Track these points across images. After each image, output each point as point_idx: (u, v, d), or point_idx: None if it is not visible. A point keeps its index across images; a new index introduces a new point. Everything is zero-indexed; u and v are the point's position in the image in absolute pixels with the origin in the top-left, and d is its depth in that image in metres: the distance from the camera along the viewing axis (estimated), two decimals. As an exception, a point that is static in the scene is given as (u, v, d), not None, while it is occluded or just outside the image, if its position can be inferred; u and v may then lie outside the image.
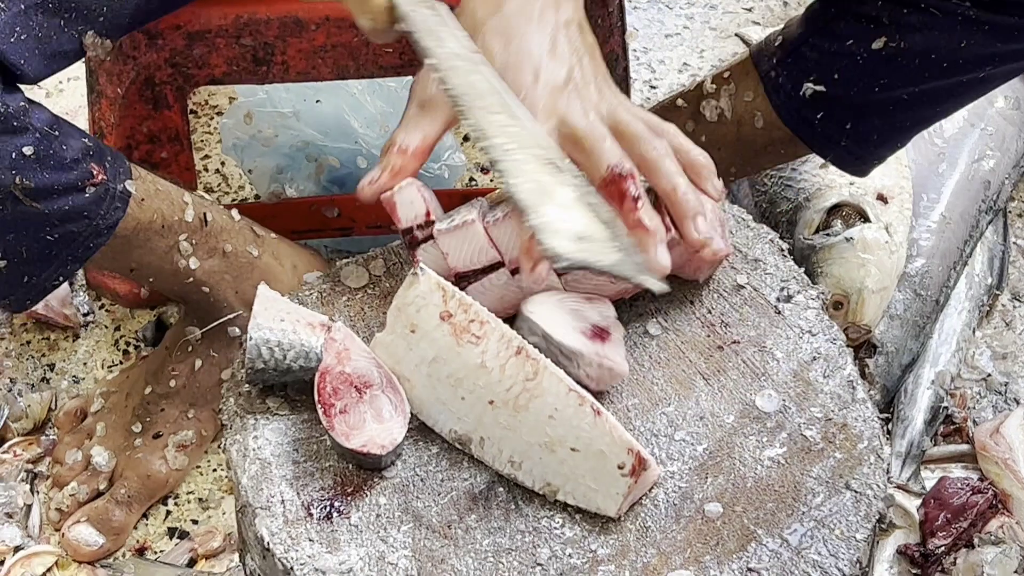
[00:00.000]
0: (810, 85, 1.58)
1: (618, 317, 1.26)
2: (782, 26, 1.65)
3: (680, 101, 1.71)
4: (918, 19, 1.50)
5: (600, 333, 1.22)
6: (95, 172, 1.42)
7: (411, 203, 1.26)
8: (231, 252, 1.64)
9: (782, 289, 1.32)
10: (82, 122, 1.90)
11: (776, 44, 1.62)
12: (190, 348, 1.71)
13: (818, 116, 1.60)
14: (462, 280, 1.25)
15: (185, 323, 1.73)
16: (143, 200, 1.51)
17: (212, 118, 2.12)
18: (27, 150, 1.35)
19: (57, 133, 1.39)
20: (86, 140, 1.43)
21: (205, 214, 1.60)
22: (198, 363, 1.71)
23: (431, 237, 1.26)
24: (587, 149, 1.24)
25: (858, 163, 1.67)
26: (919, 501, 1.73)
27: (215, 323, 1.67)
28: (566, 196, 1.20)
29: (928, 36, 1.50)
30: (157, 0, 1.47)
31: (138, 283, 1.84)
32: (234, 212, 1.65)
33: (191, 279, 1.62)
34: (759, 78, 1.63)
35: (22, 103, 1.36)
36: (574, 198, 1.20)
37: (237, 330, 1.67)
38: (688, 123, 1.68)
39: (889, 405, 1.81)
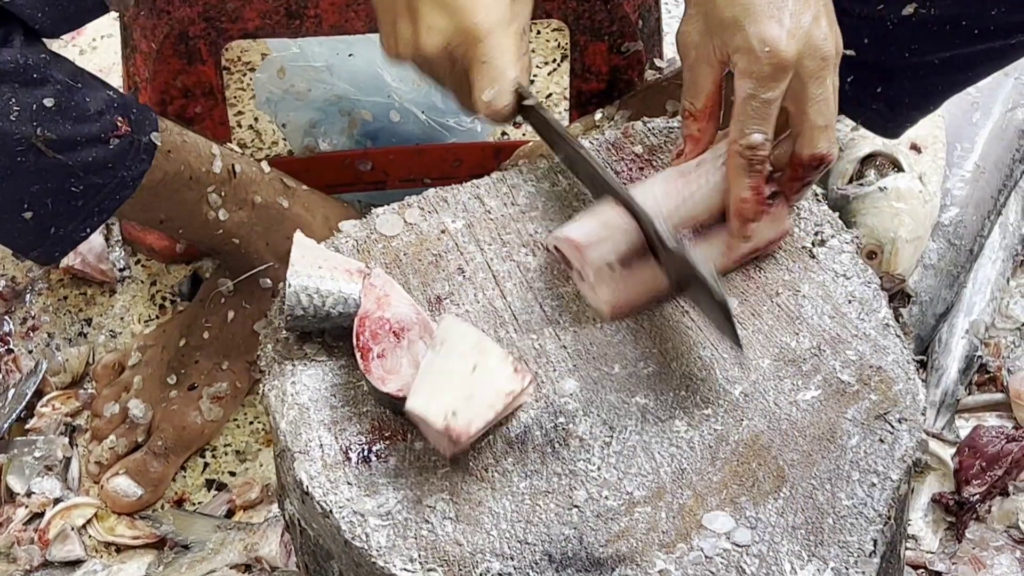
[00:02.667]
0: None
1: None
2: None
3: None
4: None
5: None
6: (119, 124, 1.43)
7: None
8: (261, 204, 1.65)
9: (816, 233, 1.32)
10: (116, 78, 1.92)
11: None
12: (222, 300, 1.72)
13: (848, 80, 1.56)
14: None
15: (218, 275, 1.74)
16: (169, 152, 1.51)
17: (245, 74, 2.12)
18: (48, 102, 1.36)
19: (80, 85, 1.40)
20: (110, 92, 1.43)
21: (233, 166, 1.60)
22: (231, 315, 1.72)
23: None
24: (808, 110, 1.23)
25: (890, 126, 1.66)
26: (954, 450, 1.74)
27: (246, 274, 1.67)
28: None
29: (958, 2, 1.48)
30: None
31: (171, 237, 1.85)
32: (264, 164, 1.66)
33: (221, 231, 1.62)
34: None
35: (43, 55, 1.36)
36: None
37: (269, 281, 1.68)
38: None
39: (923, 354, 1.81)
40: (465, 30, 1.26)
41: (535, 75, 2.15)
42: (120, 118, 1.43)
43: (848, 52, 1.52)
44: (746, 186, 1.23)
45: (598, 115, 1.74)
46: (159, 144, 1.49)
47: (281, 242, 1.66)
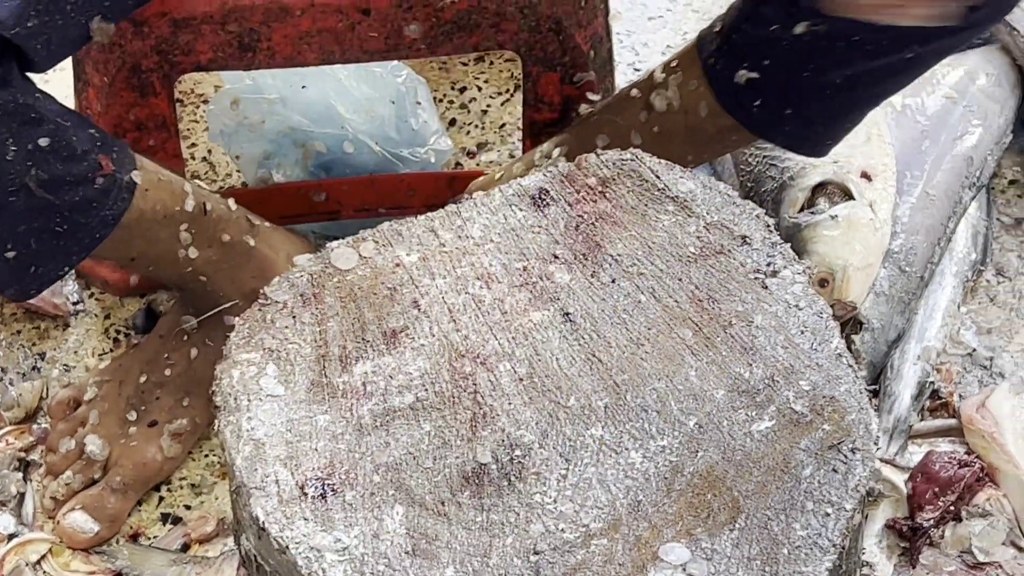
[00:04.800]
0: (744, 72, 1.54)
1: (600, 295, 1.28)
2: (725, 11, 1.61)
3: (635, 91, 1.67)
4: None
5: None
6: (103, 163, 1.43)
7: None
8: (228, 242, 1.65)
9: (768, 264, 1.33)
10: (69, 111, 1.92)
11: (715, 30, 1.58)
12: (186, 337, 1.72)
13: (755, 103, 1.56)
14: None
15: (179, 311, 1.74)
16: (147, 190, 1.51)
17: (198, 106, 2.12)
18: (43, 141, 1.35)
19: (68, 124, 1.39)
20: (93, 131, 1.43)
21: (205, 203, 1.60)
22: (194, 352, 1.71)
23: None
24: None
25: (809, 145, 1.64)
26: (907, 475, 1.75)
27: (211, 312, 1.67)
28: None
29: (846, 18, 1.45)
30: None
31: (139, 274, 1.84)
32: (231, 201, 1.66)
33: (190, 268, 1.62)
34: (701, 66, 1.59)
35: (37, 93, 1.36)
36: None
37: (233, 319, 1.67)
38: (642, 113, 1.64)
39: (876, 381, 1.83)
40: None
41: (488, 105, 2.16)
42: (104, 156, 1.43)
43: (752, 75, 1.53)
44: None
45: (536, 155, 1.74)
46: (139, 182, 1.48)
47: (246, 280, 1.66)
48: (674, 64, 1.63)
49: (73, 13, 1.36)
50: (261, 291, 1.33)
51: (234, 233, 1.65)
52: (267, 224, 1.71)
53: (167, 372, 1.72)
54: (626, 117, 1.64)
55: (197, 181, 1.72)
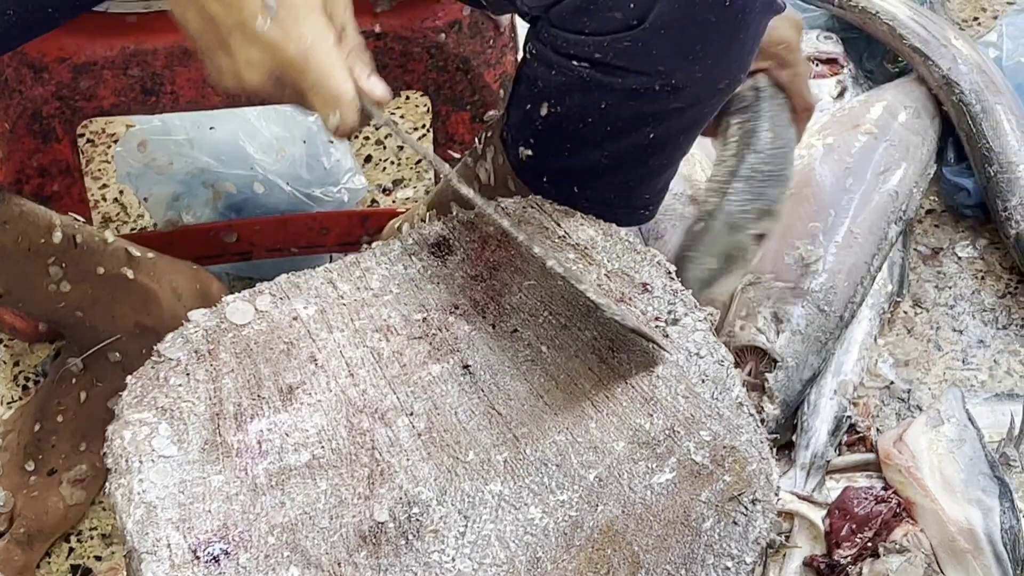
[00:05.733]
0: (523, 149, 1.47)
1: (501, 346, 1.26)
2: None
3: (469, 159, 1.60)
4: (561, 81, 1.38)
5: None
6: None
7: None
8: (103, 275, 1.62)
9: (669, 312, 1.32)
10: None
11: (507, 103, 1.51)
12: (73, 380, 1.69)
13: (544, 181, 1.48)
14: None
15: (67, 354, 1.71)
16: (5, 223, 1.49)
17: (109, 147, 2.10)
18: None
19: None
20: None
21: (75, 236, 1.58)
22: (83, 395, 1.69)
23: None
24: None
25: (621, 216, 1.48)
26: (824, 512, 1.74)
27: (93, 348, 1.64)
28: None
29: (575, 99, 1.39)
30: (18, 27, 1.39)
31: (8, 307, 1.81)
32: (108, 233, 1.63)
33: (63, 303, 1.59)
34: (500, 137, 1.53)
35: None
36: None
37: (118, 355, 1.65)
38: (474, 183, 1.56)
39: (792, 417, 1.82)
40: (284, 63, 1.20)
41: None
42: None
43: (528, 152, 1.46)
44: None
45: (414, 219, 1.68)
46: None
47: (128, 313, 1.64)
48: (489, 135, 1.56)
49: None
50: (155, 347, 1.30)
51: (109, 266, 1.62)
52: (150, 254, 1.67)
53: (59, 418, 1.69)
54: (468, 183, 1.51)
55: (74, 215, 1.66)
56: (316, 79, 1.21)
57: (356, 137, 2.14)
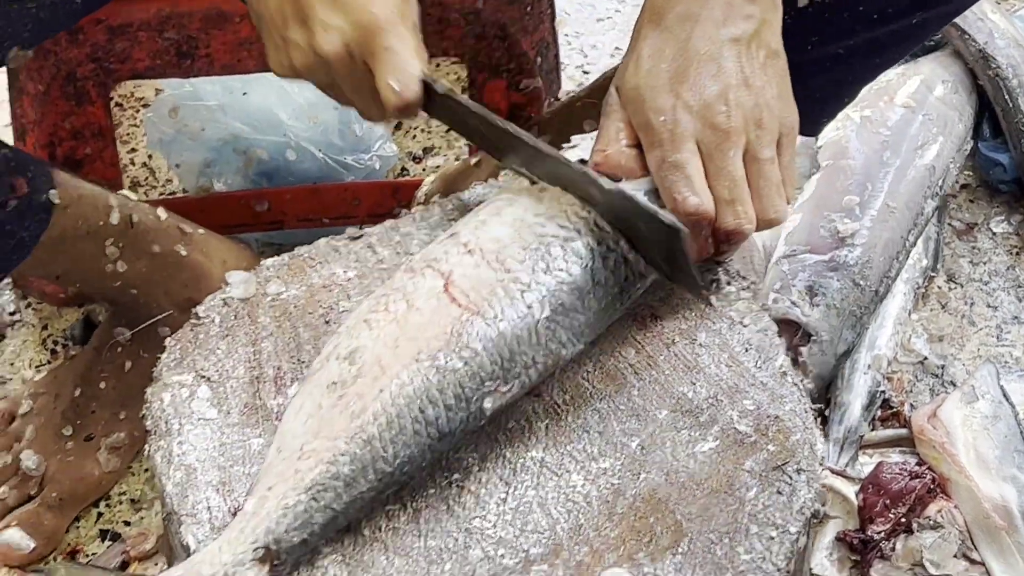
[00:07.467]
0: None
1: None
2: None
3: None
4: None
5: None
6: (17, 185, 1.39)
7: None
8: (159, 253, 1.61)
9: (712, 282, 1.31)
10: (3, 117, 1.88)
11: None
12: (119, 349, 1.69)
13: None
14: None
15: (113, 323, 1.70)
16: (67, 208, 1.48)
17: (138, 111, 2.09)
18: None
19: None
20: (6, 152, 1.39)
21: (131, 216, 1.57)
22: (128, 364, 1.68)
23: None
24: (712, 183, 1.23)
25: (804, 123, 1.59)
26: (857, 487, 1.73)
27: (145, 324, 1.64)
28: None
29: None
30: (80, 3, 1.42)
31: (63, 287, 1.81)
32: (160, 211, 1.62)
33: (119, 282, 1.59)
34: None
35: None
36: None
37: (167, 330, 1.64)
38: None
39: (825, 392, 1.80)
40: (363, 24, 1.21)
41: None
42: (17, 178, 1.39)
43: None
44: (694, 250, 1.23)
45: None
46: (57, 202, 1.45)
47: (179, 290, 1.63)
48: None
49: None
50: (194, 311, 1.30)
51: (164, 244, 1.61)
52: (201, 231, 1.68)
53: (102, 385, 1.68)
54: None
55: (125, 192, 1.67)
56: (391, 42, 1.21)
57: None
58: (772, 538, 1.14)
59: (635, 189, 1.21)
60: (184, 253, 1.63)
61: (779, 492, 1.17)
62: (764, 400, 1.23)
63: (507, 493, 1.17)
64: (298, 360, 1.26)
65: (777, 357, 1.26)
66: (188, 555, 1.13)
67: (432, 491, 1.17)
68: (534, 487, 1.17)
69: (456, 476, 1.18)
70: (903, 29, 1.49)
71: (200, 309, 1.29)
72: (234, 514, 1.15)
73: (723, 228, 1.22)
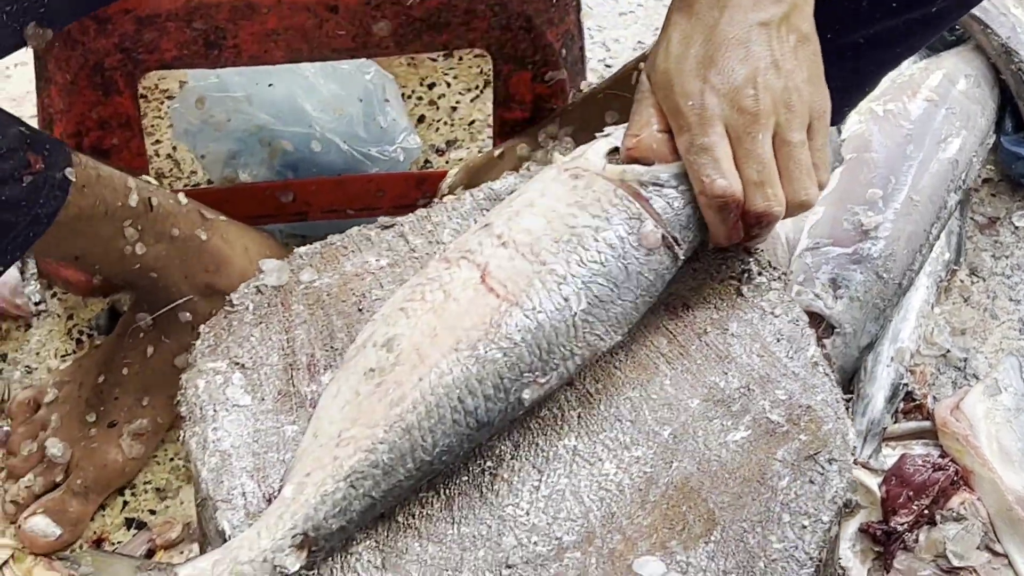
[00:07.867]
0: None
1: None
2: None
3: (642, 63, 1.63)
4: None
5: None
6: (32, 161, 1.39)
7: None
8: (179, 236, 1.62)
9: (743, 272, 1.31)
10: (30, 108, 1.89)
11: None
12: (141, 335, 1.69)
13: None
14: None
15: (135, 310, 1.71)
16: (84, 187, 1.48)
17: (163, 102, 2.09)
18: None
19: None
20: (22, 128, 1.40)
21: (150, 199, 1.57)
22: (150, 349, 1.69)
23: None
24: (742, 167, 1.23)
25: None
26: (880, 479, 1.73)
27: (165, 308, 1.64)
28: None
29: None
30: None
31: (82, 270, 1.81)
32: (181, 195, 1.63)
33: (138, 265, 1.59)
34: None
35: None
36: None
37: (188, 315, 1.65)
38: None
39: (848, 384, 1.81)
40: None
41: (458, 102, 2.13)
42: (32, 155, 1.40)
43: None
44: (723, 234, 1.24)
45: (541, 135, 1.72)
46: (73, 180, 1.45)
47: (200, 275, 1.64)
48: None
49: (8, 21, 1.33)
50: (228, 297, 1.30)
51: (184, 227, 1.62)
52: (222, 217, 1.68)
53: (124, 371, 1.69)
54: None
55: (149, 178, 1.68)
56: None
57: (408, 96, 2.13)
58: (804, 527, 1.14)
59: (666, 173, 1.22)
60: (204, 238, 1.64)
61: (811, 481, 1.17)
62: (796, 390, 1.23)
63: (540, 481, 1.18)
64: (331, 348, 1.26)
65: (808, 347, 1.26)
66: (223, 540, 1.14)
67: (465, 478, 1.17)
68: (567, 475, 1.18)
69: (489, 464, 1.18)
70: (923, 17, 1.48)
71: (234, 296, 1.30)
72: (269, 500, 1.15)
73: (752, 210, 1.22)
